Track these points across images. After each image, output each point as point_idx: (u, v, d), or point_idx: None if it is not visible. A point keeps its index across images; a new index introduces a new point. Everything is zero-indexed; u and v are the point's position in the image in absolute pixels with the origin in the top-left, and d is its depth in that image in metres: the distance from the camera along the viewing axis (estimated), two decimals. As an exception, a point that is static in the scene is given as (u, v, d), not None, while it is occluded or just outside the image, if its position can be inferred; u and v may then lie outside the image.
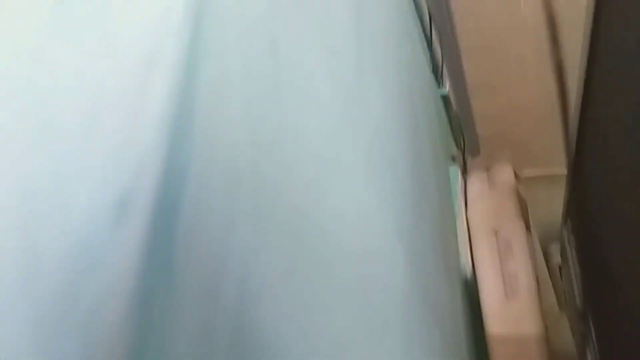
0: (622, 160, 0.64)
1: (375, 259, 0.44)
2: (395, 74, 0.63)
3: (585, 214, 0.95)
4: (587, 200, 0.91)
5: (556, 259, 1.34)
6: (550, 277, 1.29)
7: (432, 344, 0.60)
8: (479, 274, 0.94)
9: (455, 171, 1.07)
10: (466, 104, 1.20)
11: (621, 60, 0.56)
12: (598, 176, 0.79)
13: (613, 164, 0.69)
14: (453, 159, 1.14)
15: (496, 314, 0.87)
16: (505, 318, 0.86)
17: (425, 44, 1.01)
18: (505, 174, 1.07)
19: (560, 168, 1.19)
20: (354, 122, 0.41)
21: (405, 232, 0.55)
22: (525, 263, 0.91)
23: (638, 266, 0.56)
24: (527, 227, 1.00)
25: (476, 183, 1.08)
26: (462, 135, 1.21)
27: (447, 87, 1.11)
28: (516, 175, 1.09)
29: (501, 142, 1.31)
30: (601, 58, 0.65)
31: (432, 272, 0.71)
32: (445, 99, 1.13)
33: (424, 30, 1.00)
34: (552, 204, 1.13)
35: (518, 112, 1.23)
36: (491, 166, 1.12)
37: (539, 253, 1.20)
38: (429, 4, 1.00)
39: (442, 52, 1.07)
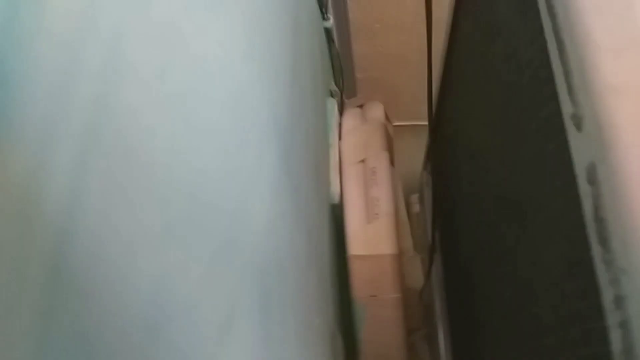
0: (469, 115, 0.70)
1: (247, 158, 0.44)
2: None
3: (442, 161, 1.05)
4: (443, 148, 1.01)
5: (416, 208, 1.48)
6: (409, 223, 1.42)
7: (299, 257, 0.63)
8: (345, 199, 1.00)
9: (333, 103, 1.11)
10: (346, 42, 1.24)
11: (479, 18, 0.59)
12: (453, 124, 0.87)
13: (465, 113, 0.76)
14: (331, 94, 1.18)
15: (357, 236, 0.94)
16: (365, 240, 0.93)
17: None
18: (376, 111, 1.13)
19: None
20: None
21: (282, 141, 0.56)
22: (387, 189, 0.99)
23: (482, 214, 0.60)
24: (392, 161, 1.08)
25: (350, 117, 1.13)
26: (341, 72, 1.25)
27: (331, 21, 1.13)
28: (386, 116, 1.17)
29: (376, 88, 1.39)
30: (465, 14, 0.69)
31: (305, 189, 0.75)
32: (328, 32, 1.15)
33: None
34: (417, 154, 1.24)
35: (394, 59, 1.31)
36: (365, 104, 1.18)
37: (400, 191, 1.31)
38: None
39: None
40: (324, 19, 1.12)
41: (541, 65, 0.33)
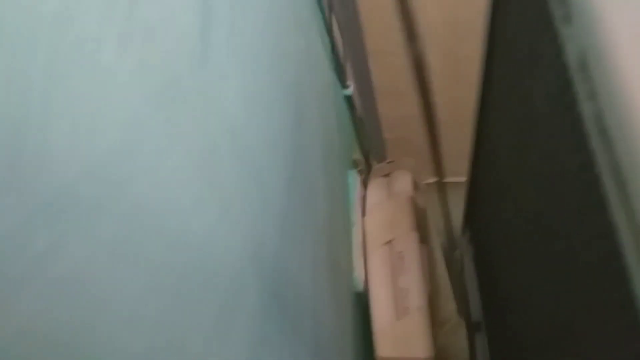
0: (509, 177, 0.61)
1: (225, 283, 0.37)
2: (271, 65, 0.55)
3: (480, 225, 0.94)
4: (482, 211, 0.90)
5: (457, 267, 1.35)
6: (452, 284, 1.28)
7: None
8: (371, 288, 0.89)
9: (354, 177, 1.03)
10: (372, 106, 1.16)
11: (512, 75, 0.52)
12: (490, 188, 0.77)
13: (501, 179, 0.66)
14: (356, 164, 1.09)
15: (385, 335, 0.82)
16: (394, 339, 0.82)
17: (328, 42, 0.95)
18: (403, 182, 1.03)
19: (464, 177, 1.19)
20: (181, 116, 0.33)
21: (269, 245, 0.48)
22: (417, 278, 0.87)
23: (525, 282, 0.56)
24: (423, 239, 0.97)
25: (375, 190, 1.04)
26: (366, 139, 1.17)
27: (351, 88, 1.06)
28: (415, 185, 1.07)
29: (406, 148, 1.29)
30: (497, 69, 0.62)
31: (316, 287, 0.65)
32: (348, 99, 1.07)
33: (327, 29, 0.94)
34: (455, 209, 1.12)
35: (421, 119, 1.21)
36: (392, 173, 1.08)
37: (440, 261, 1.18)
38: (333, 3, 0.94)
39: (345, 52, 1.02)
40: (344, 87, 1.05)
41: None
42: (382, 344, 0.80)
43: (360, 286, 0.90)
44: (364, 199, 1.03)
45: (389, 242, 0.93)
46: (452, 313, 1.20)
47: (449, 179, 1.37)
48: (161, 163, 0.29)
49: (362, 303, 0.90)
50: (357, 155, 1.10)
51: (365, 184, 1.07)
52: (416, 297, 0.82)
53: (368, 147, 1.17)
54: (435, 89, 1.14)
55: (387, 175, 1.07)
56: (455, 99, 1.16)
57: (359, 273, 0.90)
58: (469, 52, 1.01)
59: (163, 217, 0.27)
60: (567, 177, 0.34)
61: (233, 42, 0.43)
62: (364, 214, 1.00)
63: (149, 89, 0.28)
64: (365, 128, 1.14)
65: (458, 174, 1.23)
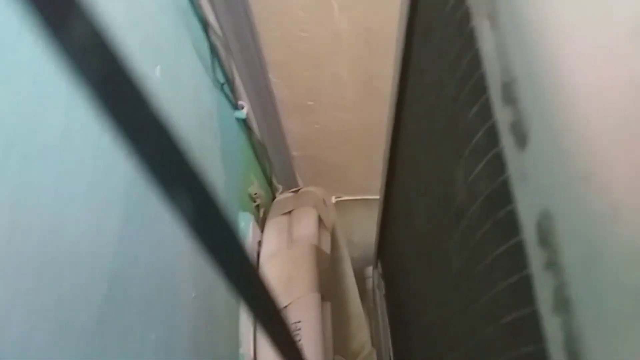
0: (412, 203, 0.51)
1: None
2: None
3: (389, 255, 0.82)
4: (391, 241, 0.78)
5: (369, 284, 1.23)
6: (365, 307, 1.17)
7: None
8: (260, 366, 0.75)
9: (247, 219, 0.86)
10: (275, 126, 0.98)
11: (426, 91, 0.43)
12: (398, 216, 0.69)
13: (407, 205, 0.55)
14: (253, 199, 0.92)
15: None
16: None
17: (209, 57, 0.76)
18: (307, 224, 0.88)
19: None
20: None
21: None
22: (314, 350, 0.73)
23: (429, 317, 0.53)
24: (325, 296, 0.83)
25: (273, 235, 0.88)
26: (269, 164, 0.99)
27: (245, 110, 0.87)
28: (321, 221, 0.91)
29: (316, 167, 1.13)
30: (411, 84, 0.51)
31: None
32: (242, 122, 0.89)
33: (208, 41, 0.75)
34: (369, 226, 0.99)
35: (335, 135, 1.06)
36: (294, 211, 0.92)
37: (352, 287, 1.05)
38: (216, 11, 0.74)
39: (236, 67, 0.82)
40: (236, 108, 0.86)
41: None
42: None
43: (247, 363, 0.75)
44: (260, 244, 0.87)
45: (284, 308, 0.78)
46: (365, 342, 1.09)
47: (366, 196, 1.24)
48: None
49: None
50: (255, 187, 0.93)
51: (263, 223, 0.91)
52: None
53: (270, 174, 1.00)
54: (348, 103, 0.98)
55: (289, 213, 0.91)
56: (369, 114, 1.00)
57: (245, 350, 0.75)
58: (382, 66, 0.85)
59: None
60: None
61: None
62: (257, 265, 0.84)
63: None
64: (266, 152, 0.96)
65: (372, 193, 1.10)
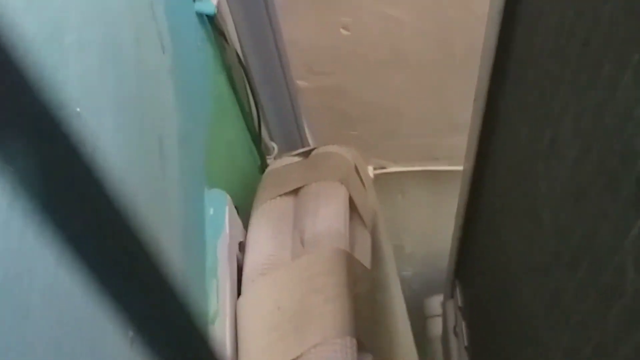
0: None
1: None
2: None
3: (483, 284, 0.46)
4: (485, 259, 0.43)
5: (434, 330, 0.80)
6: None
7: None
8: None
9: (219, 200, 0.47)
10: (267, 30, 0.57)
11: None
12: (504, 213, 0.44)
13: None
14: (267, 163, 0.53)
15: None
16: None
17: None
18: (329, 216, 0.50)
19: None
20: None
21: None
22: None
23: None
24: (364, 342, 0.46)
25: (266, 236, 0.50)
26: (255, 103, 0.60)
27: (213, 1, 0.47)
28: (354, 208, 0.53)
29: (346, 111, 0.71)
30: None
31: None
32: (210, 24, 0.49)
33: None
34: (441, 220, 0.61)
35: (377, 49, 0.64)
36: (307, 186, 0.53)
37: (407, 347, 0.66)
38: None
39: None
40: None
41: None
42: None
43: None
44: (242, 248, 0.50)
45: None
46: None
47: (432, 167, 0.81)
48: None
49: None
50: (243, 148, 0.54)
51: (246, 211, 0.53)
52: None
53: (258, 123, 0.61)
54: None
55: (294, 192, 0.53)
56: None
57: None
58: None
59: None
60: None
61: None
62: (239, 288, 0.47)
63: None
64: (250, 80, 0.56)
65: (450, 159, 0.69)
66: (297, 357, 0.44)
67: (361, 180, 0.55)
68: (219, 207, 0.48)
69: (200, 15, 0.48)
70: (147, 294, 0.17)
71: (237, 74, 0.54)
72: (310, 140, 0.69)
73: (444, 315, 0.58)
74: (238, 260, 0.49)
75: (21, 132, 0.13)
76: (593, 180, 0.29)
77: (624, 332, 0.25)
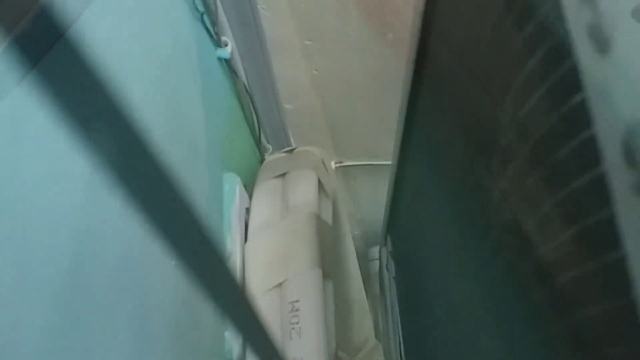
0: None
1: None
2: None
3: (404, 235, 0.70)
4: (406, 217, 0.67)
5: (375, 267, 1.11)
6: (369, 295, 1.04)
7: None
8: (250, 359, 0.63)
9: (232, 180, 0.72)
10: (264, 68, 0.83)
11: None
12: (418, 186, 0.61)
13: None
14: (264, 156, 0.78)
15: None
16: None
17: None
18: (304, 188, 0.74)
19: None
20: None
21: None
22: (314, 346, 0.62)
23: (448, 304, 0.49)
24: (327, 273, 0.71)
25: (264, 202, 0.74)
26: (256, 117, 0.85)
27: (229, 48, 0.72)
28: (321, 186, 0.78)
29: (316, 124, 0.99)
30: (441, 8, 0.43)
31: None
32: (225, 63, 0.74)
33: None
34: (378, 197, 0.86)
35: (337, 84, 0.91)
36: (289, 173, 0.78)
37: (355, 272, 0.93)
38: None
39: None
40: (218, 45, 0.70)
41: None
42: None
43: (233, 354, 0.63)
44: (248, 212, 0.74)
45: (279, 286, 0.66)
46: (369, 335, 0.98)
47: (373, 161, 1.10)
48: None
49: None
50: (244, 144, 0.79)
51: (247, 192, 0.77)
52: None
53: (259, 130, 0.86)
54: (354, 43, 0.83)
55: (282, 176, 0.78)
56: (380, 58, 0.85)
57: (232, 334, 0.63)
58: None
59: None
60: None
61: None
62: (246, 238, 0.71)
63: None
64: (253, 103, 0.82)
65: (386, 156, 0.95)
66: (283, 281, 0.69)
67: (326, 169, 0.81)
68: (232, 185, 0.73)
69: (219, 59, 0.72)
70: (188, 237, 0.21)
71: (244, 98, 0.78)
72: (292, 142, 0.96)
73: (380, 258, 0.83)
74: (245, 220, 0.74)
75: (105, 125, 0.17)
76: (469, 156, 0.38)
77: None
